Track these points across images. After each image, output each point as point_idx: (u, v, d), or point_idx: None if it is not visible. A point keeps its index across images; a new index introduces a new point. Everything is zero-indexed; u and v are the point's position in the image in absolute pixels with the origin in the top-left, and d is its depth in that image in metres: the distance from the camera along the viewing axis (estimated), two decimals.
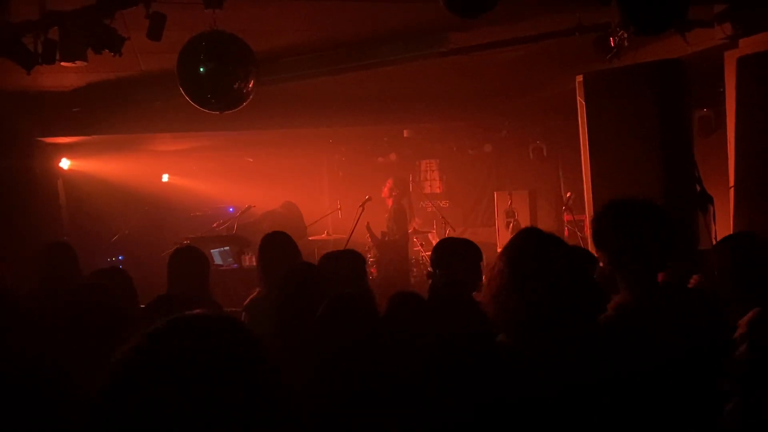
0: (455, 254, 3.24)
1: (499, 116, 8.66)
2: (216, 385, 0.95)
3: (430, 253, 7.92)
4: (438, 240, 8.65)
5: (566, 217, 6.93)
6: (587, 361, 1.77)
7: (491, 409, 1.73)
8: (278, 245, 3.66)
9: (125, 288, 3.16)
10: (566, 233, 7.12)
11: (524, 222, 8.27)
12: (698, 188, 4.30)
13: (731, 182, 4.59)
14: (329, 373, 2.30)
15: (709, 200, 4.26)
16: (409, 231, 7.86)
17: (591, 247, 4.67)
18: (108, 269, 3.55)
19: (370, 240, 7.77)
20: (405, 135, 9.52)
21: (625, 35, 4.14)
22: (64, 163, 7.91)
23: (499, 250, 8.47)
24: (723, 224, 4.59)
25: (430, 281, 3.36)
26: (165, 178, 9.83)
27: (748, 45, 4.48)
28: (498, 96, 7.91)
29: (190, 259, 3.48)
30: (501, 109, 8.35)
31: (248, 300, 3.52)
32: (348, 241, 7.12)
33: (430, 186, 10.76)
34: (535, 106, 8.01)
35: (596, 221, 2.30)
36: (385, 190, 7.70)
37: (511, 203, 8.49)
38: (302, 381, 2.17)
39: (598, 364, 1.79)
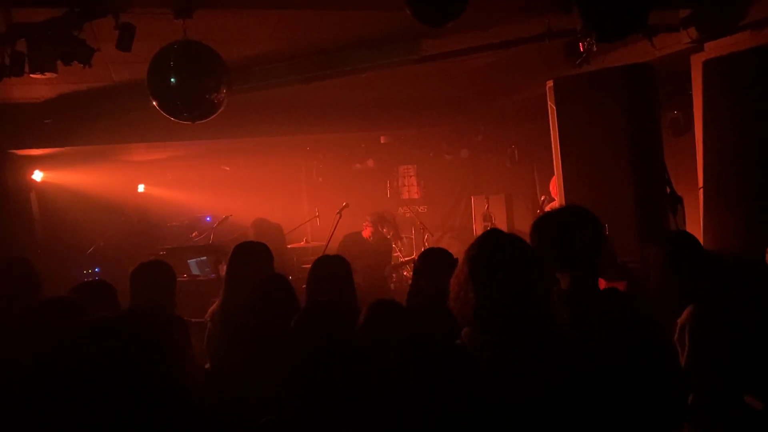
0: (441, 264, 3.27)
1: (475, 121, 8.73)
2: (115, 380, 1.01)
3: (407, 258, 7.98)
4: (415, 246, 8.75)
5: None
6: (544, 361, 1.80)
7: (463, 415, 1.75)
8: (249, 254, 3.63)
9: (109, 301, 3.12)
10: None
11: (501, 225, 8.33)
12: (668, 189, 4.37)
13: (700, 183, 4.68)
14: (303, 381, 2.30)
15: (679, 201, 4.33)
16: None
17: None
18: (92, 282, 3.48)
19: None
20: (382, 141, 9.54)
21: (594, 41, 4.20)
22: (37, 175, 7.81)
23: None
24: (694, 224, 4.67)
25: (410, 285, 3.39)
26: (141, 188, 9.74)
27: (713, 48, 4.57)
28: (473, 101, 7.97)
29: (153, 274, 3.44)
30: (476, 115, 8.41)
31: (210, 310, 3.50)
32: (326, 247, 7.12)
33: (408, 191, 10.79)
34: (510, 111, 8.08)
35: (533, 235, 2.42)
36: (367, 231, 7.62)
37: (488, 207, 8.54)
38: (274, 389, 2.17)
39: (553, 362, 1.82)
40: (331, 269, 3.44)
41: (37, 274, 3.50)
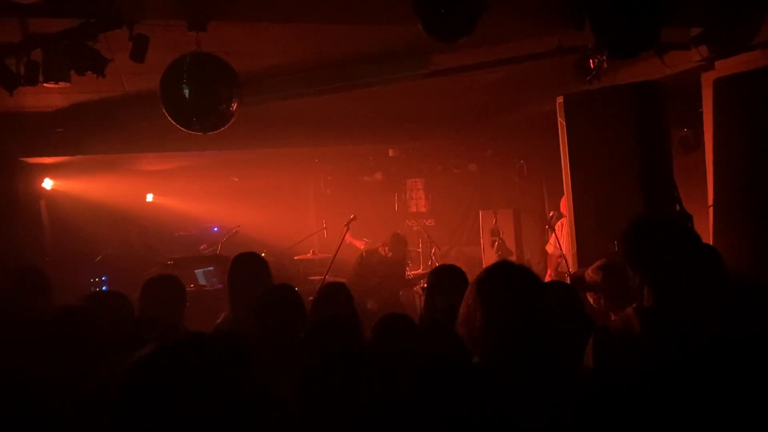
0: (453, 282, 3.27)
1: (483, 136, 8.74)
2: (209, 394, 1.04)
3: (415, 272, 7.95)
4: (422, 260, 8.73)
5: (550, 235, 6.97)
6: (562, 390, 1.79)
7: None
8: (246, 266, 3.63)
9: (122, 310, 3.12)
10: (549, 251, 7.17)
11: (509, 241, 8.31)
12: (678, 207, 4.36)
13: (710, 201, 4.66)
14: (311, 395, 2.29)
15: (689, 219, 4.31)
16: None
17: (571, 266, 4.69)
18: (108, 292, 3.48)
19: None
20: (390, 154, 9.56)
21: (604, 58, 4.21)
22: (47, 183, 7.85)
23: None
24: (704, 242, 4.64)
25: (422, 303, 3.39)
26: (149, 197, 9.78)
27: (724, 67, 4.58)
28: (482, 116, 7.98)
29: (162, 289, 3.44)
30: (485, 129, 8.42)
31: (216, 324, 3.50)
32: (333, 259, 7.12)
33: (416, 205, 10.79)
34: (519, 126, 8.09)
35: (630, 240, 2.39)
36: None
37: (496, 222, 8.52)
38: (280, 402, 2.16)
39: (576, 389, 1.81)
40: (331, 295, 3.48)
41: (49, 282, 3.51)
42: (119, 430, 1.09)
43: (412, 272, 8.17)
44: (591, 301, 3.49)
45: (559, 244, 6.38)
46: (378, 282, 7.05)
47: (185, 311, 3.48)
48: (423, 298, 3.89)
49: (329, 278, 6.65)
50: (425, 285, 3.56)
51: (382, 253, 7.34)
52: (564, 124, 4.58)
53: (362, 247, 7.90)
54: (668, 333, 2.19)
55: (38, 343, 2.36)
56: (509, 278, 1.97)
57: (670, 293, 2.29)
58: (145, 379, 1.09)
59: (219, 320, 3.55)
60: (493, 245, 8.28)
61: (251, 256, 3.72)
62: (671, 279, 2.30)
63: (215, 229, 9.59)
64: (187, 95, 3.80)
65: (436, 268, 3.61)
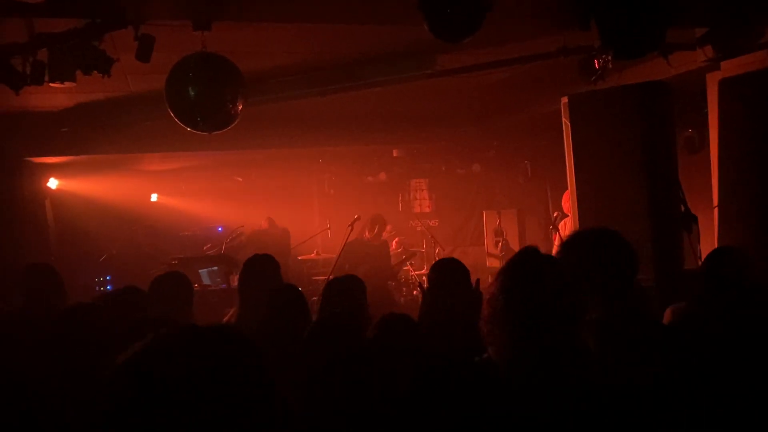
0: (455, 276, 3.25)
1: (487, 136, 8.74)
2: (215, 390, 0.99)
3: (418, 272, 7.95)
4: (426, 260, 8.73)
5: (554, 236, 6.97)
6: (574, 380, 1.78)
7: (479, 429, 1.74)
8: (258, 268, 3.65)
9: (134, 308, 3.14)
10: (554, 252, 7.16)
11: (513, 241, 8.30)
12: (683, 208, 4.35)
13: (715, 202, 4.66)
14: (315, 393, 2.30)
15: (694, 220, 4.31)
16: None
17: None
18: (124, 289, 3.49)
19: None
20: (394, 155, 9.57)
21: (609, 58, 4.21)
22: (52, 183, 7.88)
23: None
24: (709, 243, 4.63)
25: (422, 299, 3.37)
26: (154, 197, 9.80)
27: (729, 67, 4.57)
28: (486, 116, 7.98)
29: (171, 287, 3.46)
30: (489, 129, 8.42)
31: (224, 322, 3.51)
32: (337, 260, 7.12)
33: (420, 205, 10.78)
34: (523, 127, 8.08)
35: (561, 252, 2.36)
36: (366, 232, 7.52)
37: (499, 222, 8.52)
38: (286, 401, 2.16)
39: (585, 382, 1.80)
40: (344, 288, 3.44)
41: (62, 280, 3.54)
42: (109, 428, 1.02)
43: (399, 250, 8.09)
44: None
45: None
46: (365, 270, 7.01)
47: (193, 309, 3.50)
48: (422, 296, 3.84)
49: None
50: (426, 285, 3.51)
51: (366, 237, 7.30)
52: (568, 124, 4.57)
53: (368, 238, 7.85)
54: (626, 342, 2.15)
55: (43, 343, 2.36)
56: (529, 268, 1.89)
57: (618, 302, 2.23)
58: (137, 376, 1.01)
59: (226, 318, 3.57)
60: (496, 245, 8.28)
61: (264, 258, 3.75)
62: (615, 287, 2.23)
63: (219, 229, 9.60)
64: (192, 95, 3.81)
65: (437, 262, 3.51)
